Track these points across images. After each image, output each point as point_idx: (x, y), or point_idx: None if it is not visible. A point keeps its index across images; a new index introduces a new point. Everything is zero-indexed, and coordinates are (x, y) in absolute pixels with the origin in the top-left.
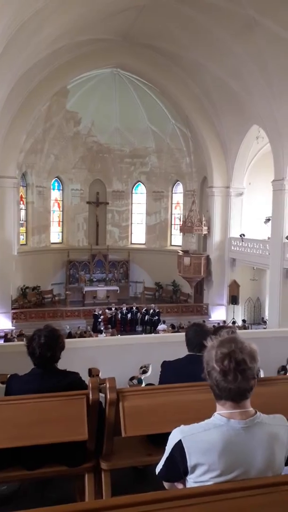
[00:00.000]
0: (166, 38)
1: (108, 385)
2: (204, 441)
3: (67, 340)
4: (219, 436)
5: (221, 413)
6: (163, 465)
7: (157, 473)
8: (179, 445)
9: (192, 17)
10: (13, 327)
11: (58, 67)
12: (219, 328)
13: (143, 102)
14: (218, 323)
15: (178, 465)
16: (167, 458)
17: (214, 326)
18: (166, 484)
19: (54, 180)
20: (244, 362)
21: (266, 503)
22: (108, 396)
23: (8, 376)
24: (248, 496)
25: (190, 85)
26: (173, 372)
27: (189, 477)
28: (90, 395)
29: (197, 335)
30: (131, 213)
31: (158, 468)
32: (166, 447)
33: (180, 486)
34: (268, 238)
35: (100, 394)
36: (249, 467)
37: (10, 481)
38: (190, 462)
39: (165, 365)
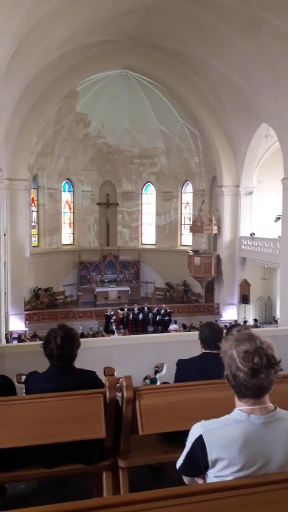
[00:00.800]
0: (174, 38)
1: (124, 383)
2: (225, 436)
3: (82, 340)
4: (239, 431)
5: (242, 409)
6: (183, 460)
7: (177, 468)
8: (199, 440)
9: (199, 16)
10: (26, 328)
11: (68, 69)
12: (232, 327)
13: (152, 102)
14: (230, 323)
15: (199, 460)
16: (188, 453)
17: (226, 325)
18: (186, 479)
19: (64, 182)
20: (273, 357)
21: (286, 498)
22: (125, 394)
23: (26, 374)
24: (267, 491)
25: (198, 85)
26: (188, 370)
27: (210, 472)
28: (107, 394)
29: (212, 334)
30: (141, 214)
31: (178, 463)
32: (187, 442)
33: (200, 481)
34: (279, 236)
35: (117, 393)
36: (269, 462)
37: (28, 479)
38: (211, 457)
39: (181, 364)
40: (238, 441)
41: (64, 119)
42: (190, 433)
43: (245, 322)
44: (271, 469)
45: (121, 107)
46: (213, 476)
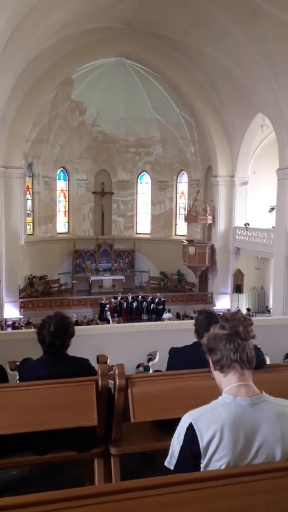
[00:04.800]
0: (171, 26)
1: (117, 371)
2: (213, 419)
3: (76, 328)
4: (227, 413)
5: (228, 392)
6: (178, 456)
7: (172, 467)
8: (191, 428)
9: (197, 4)
10: (21, 316)
11: (63, 56)
12: (222, 316)
13: (148, 91)
14: (223, 312)
15: (192, 450)
16: (182, 447)
17: (219, 314)
18: None
19: (60, 170)
20: (247, 318)
21: (277, 487)
22: (117, 382)
23: (20, 361)
24: (258, 480)
25: (195, 74)
26: (181, 358)
27: (202, 462)
28: (100, 381)
29: (207, 322)
30: (136, 203)
31: (171, 463)
32: (176, 437)
33: None
34: (273, 227)
35: (109, 380)
36: (259, 443)
37: (20, 466)
38: (202, 444)
39: (173, 352)
40: (226, 423)
41: (59, 107)
42: (180, 425)
43: (238, 311)
44: (260, 450)
45: (117, 95)
46: (205, 464)
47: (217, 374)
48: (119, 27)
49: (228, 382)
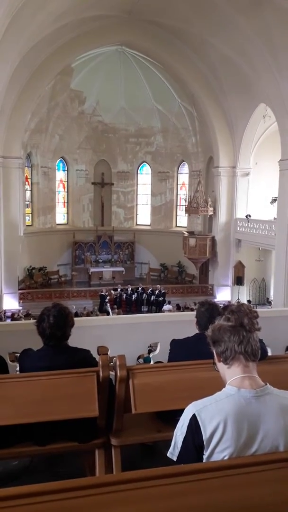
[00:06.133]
0: (172, 14)
1: (118, 362)
2: (217, 411)
3: (76, 319)
4: (230, 405)
5: (232, 383)
6: (181, 447)
7: (175, 458)
8: (194, 419)
9: None
10: (20, 307)
11: (63, 45)
12: (226, 307)
13: (149, 80)
14: (224, 304)
15: (194, 442)
16: (185, 438)
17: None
18: None
19: (59, 160)
20: (252, 311)
21: (279, 478)
22: (118, 373)
23: (21, 351)
24: (260, 471)
25: (196, 63)
26: (182, 350)
27: (205, 453)
28: (101, 372)
29: (209, 314)
30: (137, 194)
31: (174, 454)
32: (179, 428)
33: None
34: (274, 218)
35: (110, 372)
36: (262, 435)
37: (21, 457)
38: (206, 435)
39: (174, 343)
40: (230, 414)
41: (58, 96)
42: (183, 417)
43: (239, 303)
44: (263, 442)
45: (117, 84)
46: (207, 456)
47: (221, 366)
48: (119, 15)
49: (232, 374)
